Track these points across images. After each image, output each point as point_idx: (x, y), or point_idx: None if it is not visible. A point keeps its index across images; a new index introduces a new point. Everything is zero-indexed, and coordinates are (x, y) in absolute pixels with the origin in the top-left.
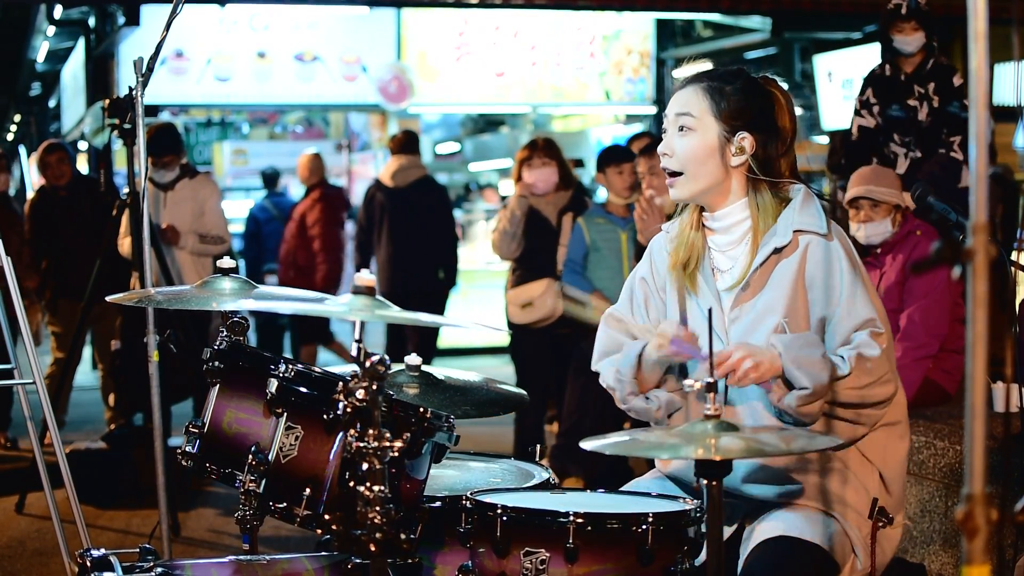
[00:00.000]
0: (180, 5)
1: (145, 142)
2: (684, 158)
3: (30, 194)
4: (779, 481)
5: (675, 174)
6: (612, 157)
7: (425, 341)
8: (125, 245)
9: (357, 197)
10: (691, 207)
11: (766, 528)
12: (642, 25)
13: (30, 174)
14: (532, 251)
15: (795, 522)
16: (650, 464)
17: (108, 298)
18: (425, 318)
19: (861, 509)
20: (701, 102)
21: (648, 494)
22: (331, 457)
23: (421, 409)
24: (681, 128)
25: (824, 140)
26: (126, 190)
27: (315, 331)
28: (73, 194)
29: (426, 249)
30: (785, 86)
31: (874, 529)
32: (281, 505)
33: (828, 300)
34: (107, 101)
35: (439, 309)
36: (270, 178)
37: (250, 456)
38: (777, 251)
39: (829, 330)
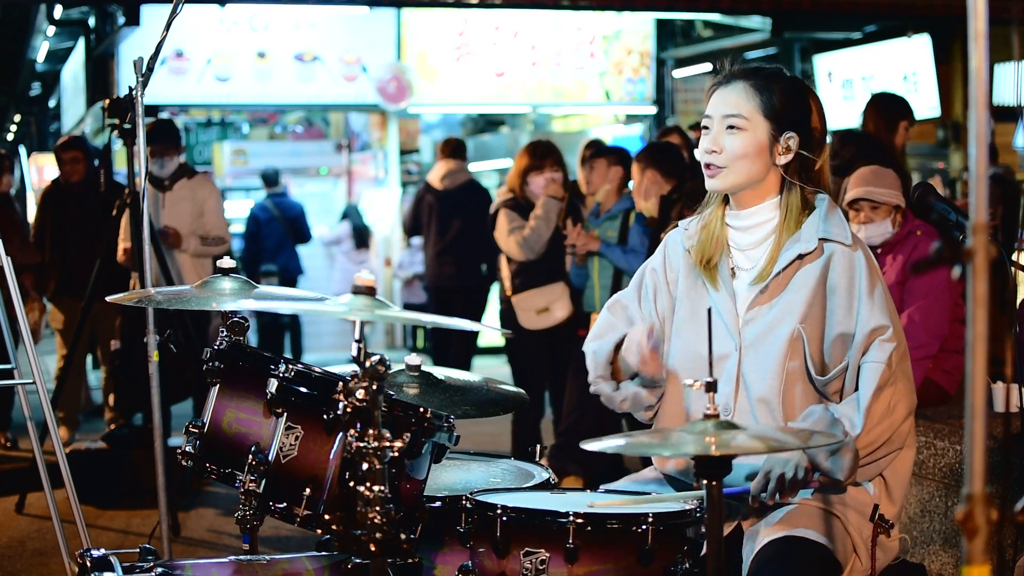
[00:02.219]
0: (180, 5)
1: (144, 139)
2: (733, 155)
3: (30, 194)
4: None
5: (718, 167)
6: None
7: (465, 340)
8: (121, 252)
9: (356, 197)
10: (718, 202)
11: (771, 529)
12: (642, 25)
13: (30, 174)
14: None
15: (800, 521)
16: (646, 463)
17: (108, 298)
18: (425, 318)
19: (863, 510)
20: (751, 100)
21: (648, 494)
22: (331, 457)
23: (421, 409)
24: (730, 127)
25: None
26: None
27: None
28: (87, 189)
29: (472, 246)
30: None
31: (874, 532)
32: (281, 505)
33: (848, 310)
34: (107, 101)
35: (482, 300)
36: (270, 178)
37: (250, 456)
38: (800, 257)
39: (852, 343)
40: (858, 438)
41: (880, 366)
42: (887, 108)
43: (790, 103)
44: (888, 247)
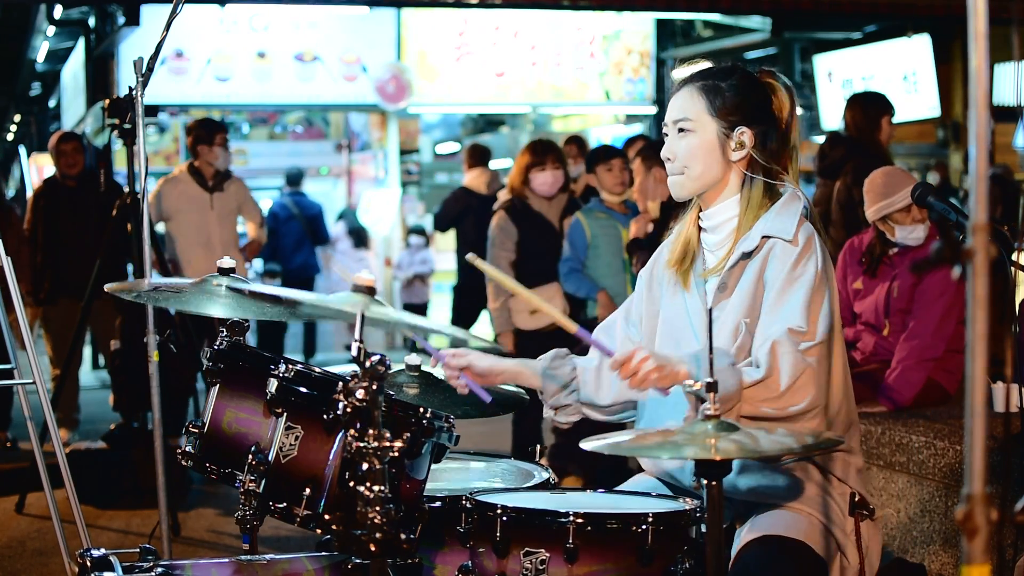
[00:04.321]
0: (180, 5)
1: (144, 140)
2: (684, 158)
3: (29, 195)
4: (765, 472)
5: (674, 174)
6: (599, 156)
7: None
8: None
9: (356, 197)
10: (693, 206)
11: (753, 528)
12: (642, 25)
13: (30, 174)
14: (535, 255)
15: (781, 521)
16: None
17: (106, 287)
18: (424, 321)
19: (843, 507)
20: (697, 103)
21: (648, 494)
22: (331, 457)
23: (421, 409)
24: (680, 131)
25: (824, 140)
26: (126, 189)
27: None
28: (81, 186)
29: None
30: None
31: (856, 524)
32: (281, 505)
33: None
34: (107, 101)
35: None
36: (293, 178)
37: (250, 456)
38: (746, 255)
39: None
40: (755, 385)
41: (788, 343)
42: (867, 106)
43: (741, 98)
44: (906, 249)
